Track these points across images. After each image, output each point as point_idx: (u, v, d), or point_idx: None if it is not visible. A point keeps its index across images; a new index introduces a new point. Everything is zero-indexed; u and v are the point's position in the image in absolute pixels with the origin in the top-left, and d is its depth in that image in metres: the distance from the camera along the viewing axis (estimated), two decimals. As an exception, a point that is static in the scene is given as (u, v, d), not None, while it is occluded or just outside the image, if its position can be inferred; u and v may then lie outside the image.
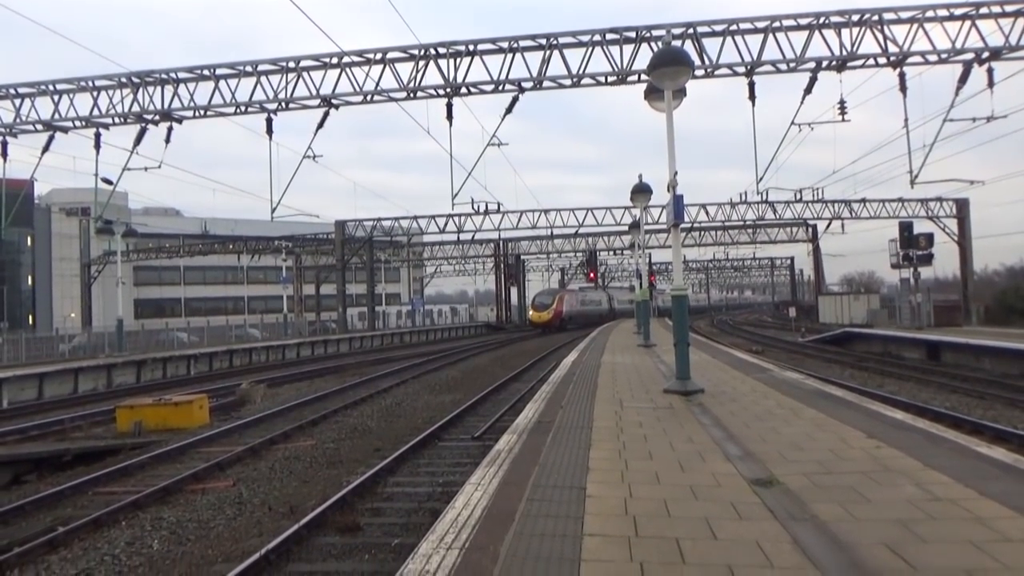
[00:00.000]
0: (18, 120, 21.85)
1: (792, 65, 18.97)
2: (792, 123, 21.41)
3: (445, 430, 12.45)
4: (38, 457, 11.19)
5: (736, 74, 19.19)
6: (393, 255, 59.26)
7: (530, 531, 4.02)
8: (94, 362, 25.79)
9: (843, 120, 21.45)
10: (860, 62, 19.25)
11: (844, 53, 18.93)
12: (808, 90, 19.56)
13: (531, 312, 57.48)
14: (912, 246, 32.20)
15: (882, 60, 19.28)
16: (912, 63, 19.43)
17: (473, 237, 51.40)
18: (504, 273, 62.52)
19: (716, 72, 19.12)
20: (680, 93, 10.53)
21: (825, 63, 19.11)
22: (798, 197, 41.33)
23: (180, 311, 66.61)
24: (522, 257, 64.18)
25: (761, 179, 22.13)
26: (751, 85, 19.21)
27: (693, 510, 4.31)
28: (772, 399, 8.79)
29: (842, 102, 21.17)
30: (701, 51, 18.94)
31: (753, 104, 19.65)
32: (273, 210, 22.26)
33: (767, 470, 5.15)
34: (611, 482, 5.00)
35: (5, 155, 22.62)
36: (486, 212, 35.51)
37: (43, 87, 21.59)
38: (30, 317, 61.79)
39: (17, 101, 21.83)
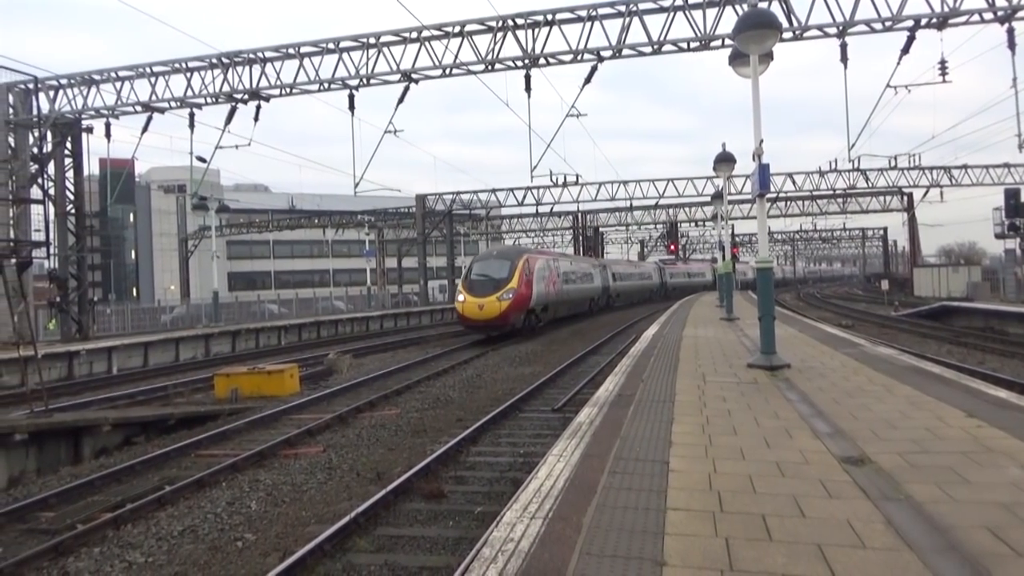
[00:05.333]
0: (119, 102, 22.96)
1: (888, 24, 17.88)
2: (887, 86, 20.28)
3: (525, 401, 12.59)
4: (146, 421, 11.93)
5: (827, 35, 18.23)
6: (472, 228, 59.70)
7: (612, 503, 4.05)
8: (193, 332, 27.19)
9: (943, 81, 20.15)
10: (963, 18, 17.97)
11: (946, 9, 17.72)
12: (905, 50, 18.44)
13: (461, 297, 25.36)
14: (1019, 214, 30.27)
15: (988, 15, 17.94)
16: (1022, 17, 18.04)
17: (551, 209, 50.84)
18: (583, 245, 60.62)
19: (805, 34, 18.23)
20: (767, 58, 10.16)
21: (924, 21, 17.94)
22: (893, 164, 39.38)
23: (270, 284, 69.24)
24: (601, 229, 63.16)
25: (853, 146, 21.09)
26: (843, 47, 18.23)
27: (780, 487, 4.23)
28: (863, 375, 8.49)
29: (943, 62, 19.88)
30: (789, 12, 18.08)
31: (845, 67, 18.67)
32: (356, 185, 22.70)
33: (858, 448, 5.01)
34: (695, 457, 4.96)
35: (109, 136, 23.87)
36: (564, 184, 35.35)
37: (141, 70, 22.57)
38: (134, 289, 65.60)
39: (118, 84, 22.93)
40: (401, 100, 21.08)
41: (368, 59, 20.59)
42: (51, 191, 23.94)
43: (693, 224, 60.30)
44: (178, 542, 6.54)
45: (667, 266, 63.20)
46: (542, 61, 19.72)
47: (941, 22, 18.00)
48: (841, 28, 17.95)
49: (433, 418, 11.77)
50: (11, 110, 23.18)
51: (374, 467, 8.72)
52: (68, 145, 24.66)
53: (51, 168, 24.32)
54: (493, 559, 3.34)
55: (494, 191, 46.57)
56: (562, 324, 31.61)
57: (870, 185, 43.87)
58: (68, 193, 24.79)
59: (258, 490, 8.00)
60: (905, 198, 51.03)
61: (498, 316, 24.07)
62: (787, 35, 17.64)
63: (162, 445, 10.48)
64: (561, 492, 4.31)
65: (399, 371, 17.56)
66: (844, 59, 18.41)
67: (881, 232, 78.88)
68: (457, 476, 8.20)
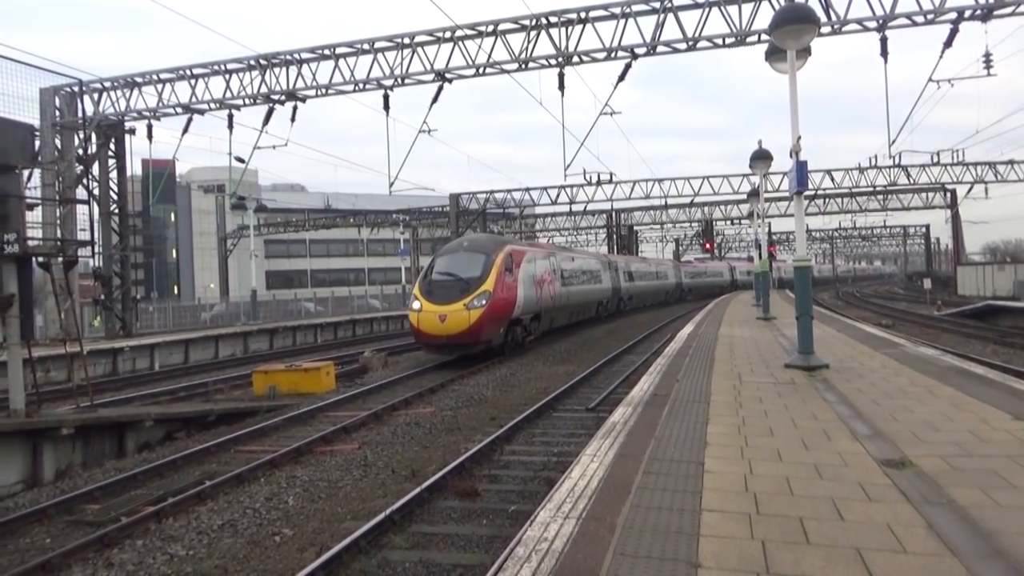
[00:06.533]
0: (161, 104, 23.49)
1: (930, 16, 17.47)
2: (929, 80, 19.85)
3: (559, 400, 12.58)
4: (187, 417, 12.18)
5: (866, 30, 17.87)
6: (506, 227, 59.76)
7: (647, 504, 4.03)
8: (232, 330, 27.69)
9: (988, 75, 19.69)
10: (1009, 9, 17.47)
11: (990, 1, 17.29)
12: (948, 43, 17.99)
13: (416, 304, 18.38)
14: (1069, 211, 29.24)
15: (1036, 6, 17.47)
16: (1073, 8, 17.48)
17: (585, 208, 50.70)
18: (617, 244, 60.20)
19: (844, 29, 17.88)
20: (804, 53, 10.03)
21: (968, 12, 17.48)
22: (935, 160, 38.38)
23: (307, 282, 70.15)
24: (635, 228, 62.72)
25: (894, 142, 20.66)
26: (883, 41, 17.86)
27: (818, 489, 4.18)
28: (904, 376, 8.33)
29: (987, 55, 19.40)
30: (827, 6, 17.76)
31: (885, 61, 18.29)
32: (391, 184, 22.90)
33: (899, 451, 4.92)
34: (730, 458, 4.92)
35: (150, 137, 24.45)
36: (598, 183, 35.14)
37: (182, 72, 23.06)
38: (175, 287, 67.00)
39: (159, 86, 23.45)
40: (435, 99, 21.19)
41: (402, 59, 20.74)
42: (95, 191, 24.59)
43: (729, 222, 59.63)
44: (218, 536, 6.67)
45: (683, 265, 59.35)
46: (576, 59, 19.67)
47: (985, 14, 17.52)
48: (881, 22, 17.59)
49: (467, 416, 11.82)
50: (57, 113, 23.83)
51: (409, 464, 8.79)
52: (112, 146, 25.32)
53: (95, 169, 24.98)
54: (527, 558, 3.35)
55: (528, 190, 46.55)
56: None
57: (912, 182, 42.88)
58: (112, 193, 25.44)
59: (295, 486, 8.12)
60: (948, 195, 49.77)
61: (466, 331, 17.43)
62: (825, 30, 17.33)
63: (202, 441, 10.70)
64: (595, 492, 4.31)
65: (433, 369, 17.66)
66: (884, 53, 18.04)
67: (923, 230, 77.16)
68: (491, 474, 8.23)
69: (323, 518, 7.02)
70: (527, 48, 19.70)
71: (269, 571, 5.80)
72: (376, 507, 7.04)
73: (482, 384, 15.13)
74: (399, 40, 20.74)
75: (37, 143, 13.21)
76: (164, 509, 7.35)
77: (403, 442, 10.14)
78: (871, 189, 45.91)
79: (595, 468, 4.83)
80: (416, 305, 18.23)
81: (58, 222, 16.19)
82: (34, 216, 11.45)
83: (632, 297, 38.90)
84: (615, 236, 59.28)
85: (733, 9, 18.20)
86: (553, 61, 19.76)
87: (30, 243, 10.67)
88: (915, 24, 17.74)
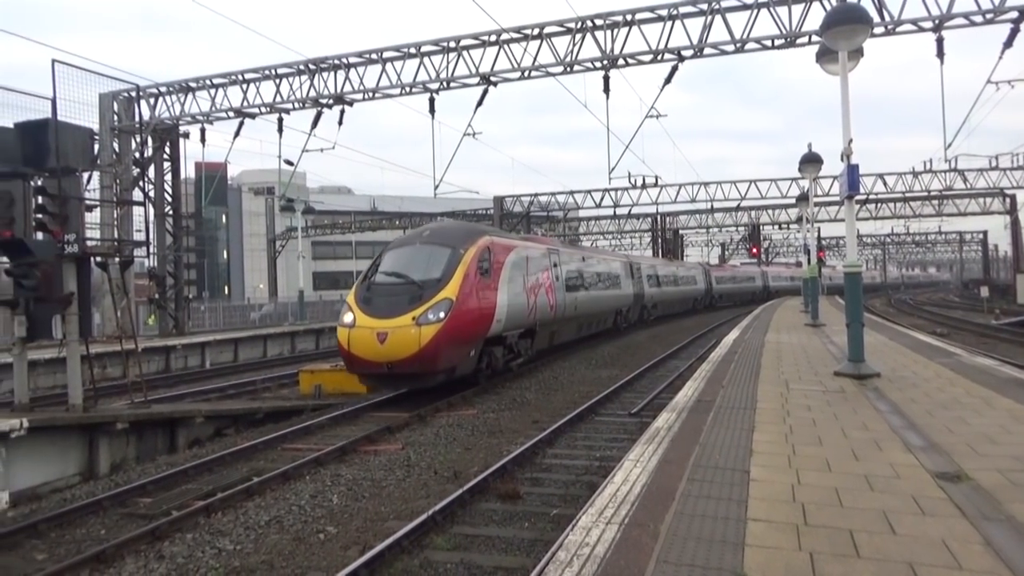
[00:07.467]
0: (214, 109, 24.11)
1: (989, 16, 16.92)
2: (988, 81, 19.23)
3: (602, 405, 12.51)
4: (236, 414, 12.45)
5: (922, 30, 17.39)
6: (550, 230, 59.74)
7: (691, 511, 3.98)
8: (279, 330, 28.23)
9: (1053, 75, 19.05)
10: (1076, 7, 16.88)
11: (1056, -2, 16.70)
12: (1008, 43, 17.38)
13: (348, 318, 12.87)
14: None
15: (1104, 4, 16.79)
16: None
17: (630, 211, 50.36)
18: (662, 248, 59.59)
19: (898, 29, 17.44)
20: (856, 54, 9.82)
21: (1032, 11, 16.93)
22: (994, 164, 37.26)
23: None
24: (680, 231, 62.04)
25: (950, 145, 20.04)
26: (939, 41, 17.35)
27: (868, 501, 4.08)
28: (959, 386, 8.07)
29: (1052, 55, 18.79)
30: (880, 6, 17.33)
31: (942, 62, 17.77)
32: (436, 187, 23.04)
33: (954, 463, 4.77)
34: (777, 467, 4.83)
35: (203, 141, 25.16)
36: (643, 186, 34.88)
37: (234, 77, 23.62)
38: (226, 287, 68.59)
39: (213, 91, 24.08)
40: (480, 103, 21.29)
41: (448, 63, 20.89)
42: (151, 193, 25.34)
43: (776, 227, 58.52)
44: (264, 532, 6.79)
45: (713, 269, 53.88)
46: (621, 62, 19.56)
47: (1050, 12, 16.90)
48: (937, 22, 17.10)
49: (509, 419, 11.83)
50: (115, 117, 24.62)
51: (451, 466, 8.84)
52: (167, 150, 26.06)
53: (151, 171, 25.73)
54: (568, 563, 3.34)
55: (572, 193, 46.45)
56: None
57: (968, 186, 41.58)
58: (166, 195, 26.16)
59: (339, 484, 8.23)
60: (1007, 200, 48.14)
61: (415, 356, 12.28)
62: (878, 30, 16.93)
63: (250, 438, 10.92)
64: (638, 498, 4.27)
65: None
66: (940, 54, 17.53)
67: (980, 236, 74.73)
68: (533, 477, 8.22)
69: (366, 517, 7.10)
70: (572, 51, 19.66)
71: (314, 568, 5.89)
72: (419, 507, 7.09)
73: (524, 387, 15.13)
74: (445, 44, 20.91)
75: (96, 147, 13.68)
76: (213, 504, 7.53)
77: (446, 443, 10.20)
78: (925, 194, 44.63)
79: (638, 474, 4.79)
80: (348, 319, 12.87)
81: (115, 223, 16.73)
82: (93, 217, 11.86)
83: (657, 305, 34.29)
84: (660, 240, 58.71)
85: (783, 10, 17.89)
86: (598, 64, 19.68)
87: (88, 243, 11.04)
88: (973, 24, 17.21)
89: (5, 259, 10.27)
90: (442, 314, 12.56)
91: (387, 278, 13.66)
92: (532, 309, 16.74)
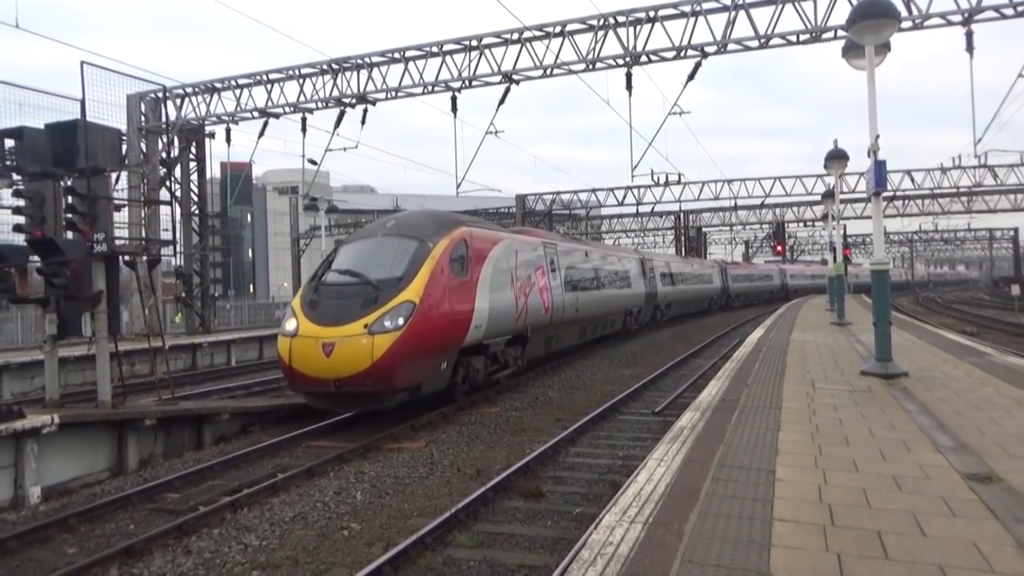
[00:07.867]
0: (239, 109, 24.37)
1: (1020, 9, 16.59)
2: (1019, 75, 18.87)
3: (624, 403, 12.48)
4: (261, 411, 12.56)
5: (950, 24, 17.10)
6: (572, 228, 59.60)
7: (716, 511, 3.96)
8: (302, 327, 28.42)
9: (1086, 68, 18.59)
10: (1111, -1, 16.49)
11: (1091, -10, 16.33)
12: (1042, 36, 17.18)
13: (291, 325, 10.80)
14: None
15: None
16: None
17: (652, 209, 50.04)
18: (684, 246, 59.11)
19: (926, 23, 17.17)
20: (883, 49, 9.70)
21: (1065, 3, 16.58)
22: (1025, 159, 36.54)
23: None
24: (704, 229, 61.57)
25: (979, 141, 19.69)
26: (969, 35, 17.06)
27: (897, 502, 4.02)
28: (990, 386, 7.93)
29: (1087, 47, 18.38)
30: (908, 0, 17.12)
31: (971, 56, 17.48)
32: (458, 185, 23.12)
33: (985, 465, 4.69)
34: (803, 467, 4.78)
35: (229, 141, 25.45)
36: (666, 183, 34.64)
37: (258, 77, 23.85)
38: (251, 286, 69.32)
39: (238, 91, 24.34)
40: (502, 101, 21.27)
41: (470, 61, 20.90)
42: (177, 193, 25.66)
43: (801, 224, 57.87)
44: (289, 528, 6.86)
45: (730, 267, 51.84)
46: (644, 59, 19.45)
47: (1084, 4, 16.53)
48: (967, 15, 16.80)
49: (532, 417, 11.83)
50: (143, 117, 24.96)
51: (474, 464, 8.86)
52: (193, 149, 26.37)
53: (178, 171, 26.06)
54: (592, 562, 3.33)
55: (594, 191, 46.30)
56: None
57: (999, 182, 40.80)
58: (192, 195, 26.48)
59: (363, 481, 8.28)
60: (1040, 196, 47.19)
61: (367, 371, 10.21)
62: (906, 24, 16.67)
63: (275, 435, 11.01)
64: (662, 497, 4.25)
65: (498, 369, 17.69)
66: (970, 48, 17.22)
67: (1011, 233, 73.37)
68: (555, 476, 8.22)
69: (390, 514, 7.14)
70: (595, 48, 19.59)
71: (338, 564, 5.93)
72: (442, 505, 7.12)
73: (547, 385, 15.12)
74: (467, 42, 20.92)
75: (124, 147, 13.87)
76: (239, 500, 7.61)
77: (468, 441, 10.22)
78: (954, 190, 43.90)
79: (662, 473, 4.77)
80: (289, 326, 10.92)
81: (143, 222, 16.98)
82: (121, 216, 12.00)
83: (671, 304, 32.35)
84: (683, 238, 58.32)
85: (808, 5, 17.68)
86: (621, 61, 19.59)
87: (117, 242, 11.19)
88: (1004, 17, 16.89)
89: (36, 258, 10.43)
90: (401, 320, 10.46)
91: (339, 277, 11.61)
92: (522, 312, 14.57)
